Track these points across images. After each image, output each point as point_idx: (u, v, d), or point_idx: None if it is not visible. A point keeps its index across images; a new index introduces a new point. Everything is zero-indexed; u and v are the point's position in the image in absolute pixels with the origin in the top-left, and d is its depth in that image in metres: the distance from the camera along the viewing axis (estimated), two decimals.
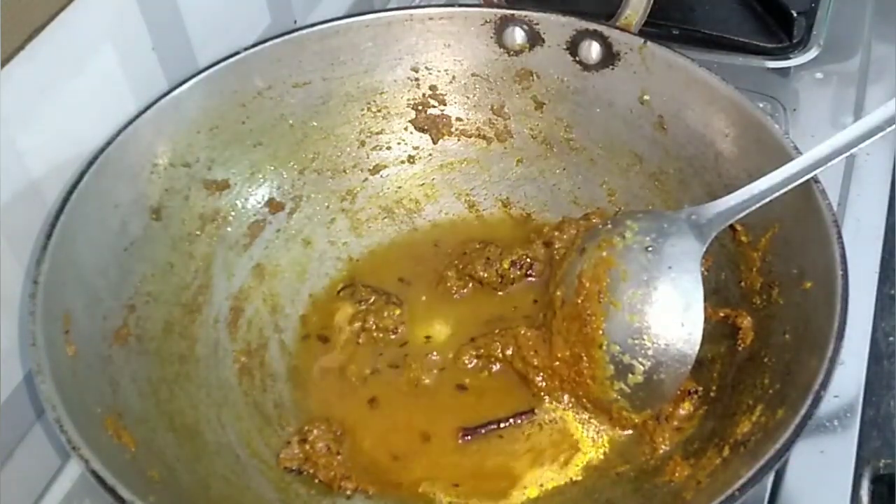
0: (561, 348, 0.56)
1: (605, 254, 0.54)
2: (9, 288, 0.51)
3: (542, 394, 0.57)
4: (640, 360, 0.52)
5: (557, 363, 0.56)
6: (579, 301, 0.55)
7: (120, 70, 0.56)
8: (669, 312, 0.52)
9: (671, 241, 0.53)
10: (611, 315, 0.53)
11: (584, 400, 0.55)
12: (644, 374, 0.52)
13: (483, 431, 0.56)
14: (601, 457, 0.54)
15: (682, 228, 0.53)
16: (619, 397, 0.54)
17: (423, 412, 0.57)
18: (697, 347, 0.52)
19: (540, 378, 0.56)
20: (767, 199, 0.52)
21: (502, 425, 0.56)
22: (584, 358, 0.54)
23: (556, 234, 0.62)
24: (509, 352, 0.57)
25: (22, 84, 0.49)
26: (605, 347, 0.53)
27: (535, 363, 0.56)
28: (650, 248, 0.53)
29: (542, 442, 0.55)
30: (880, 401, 0.56)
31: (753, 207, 0.52)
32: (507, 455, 0.55)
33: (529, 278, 0.62)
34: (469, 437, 0.55)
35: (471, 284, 0.62)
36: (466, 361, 0.58)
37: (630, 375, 0.53)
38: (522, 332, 0.57)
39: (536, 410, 0.56)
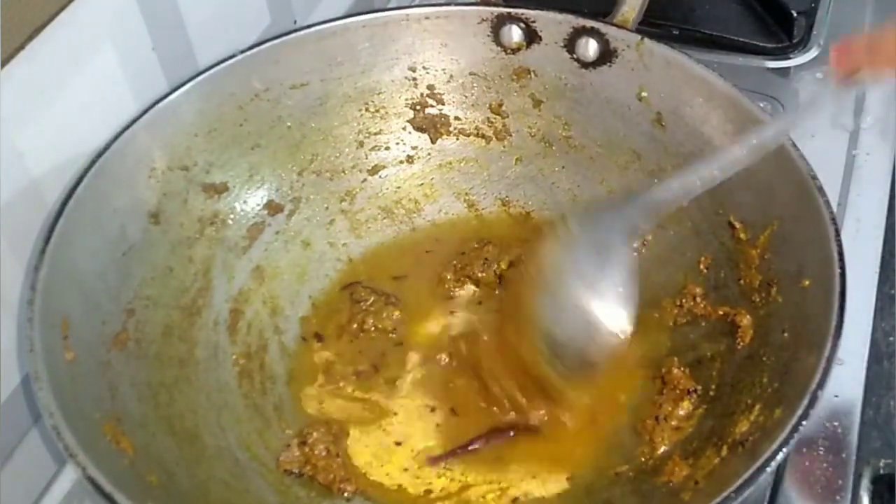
0: (507, 333, 0.56)
1: (546, 245, 0.55)
2: (8, 288, 0.51)
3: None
4: (571, 338, 0.53)
5: (505, 351, 0.56)
6: (521, 288, 0.55)
7: (120, 70, 0.56)
8: (604, 305, 0.53)
9: (603, 232, 0.53)
10: (545, 299, 0.54)
11: (533, 388, 0.56)
12: (577, 352, 0.53)
13: (450, 458, 0.55)
14: (600, 457, 0.54)
15: (616, 220, 0.53)
16: (557, 375, 0.54)
17: (419, 413, 0.57)
18: (629, 327, 0.52)
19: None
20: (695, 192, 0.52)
21: (471, 448, 0.55)
22: (523, 340, 0.55)
23: None
24: None
25: (22, 84, 0.49)
26: (539, 328, 0.54)
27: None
28: (586, 239, 0.54)
29: (538, 445, 0.55)
30: (880, 401, 0.56)
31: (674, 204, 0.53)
32: (503, 457, 0.55)
33: None
34: (438, 462, 0.55)
35: (469, 284, 0.62)
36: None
37: (563, 353, 0.53)
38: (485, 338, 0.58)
39: (513, 432, 0.56)
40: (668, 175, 0.61)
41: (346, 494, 0.53)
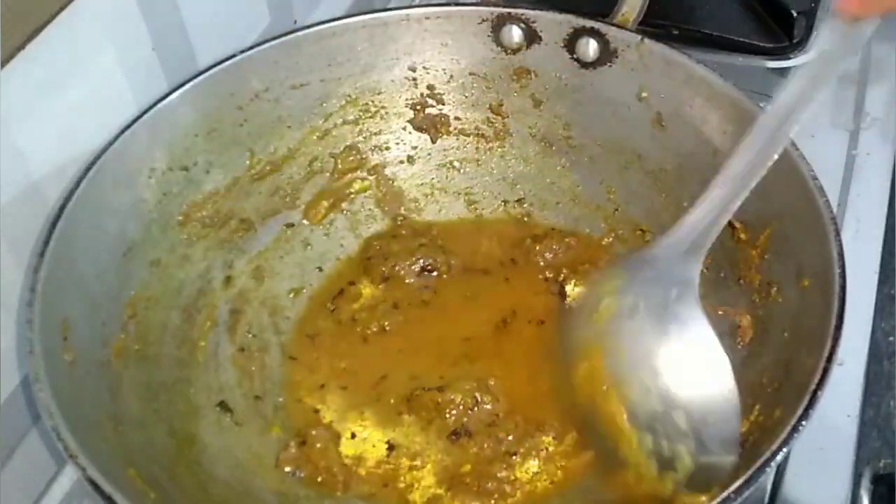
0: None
1: (593, 336, 0.49)
2: (8, 289, 0.51)
3: None
4: (678, 444, 0.46)
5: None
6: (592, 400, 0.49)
7: (120, 70, 0.56)
8: (689, 372, 0.46)
9: (659, 292, 0.47)
10: (630, 403, 0.47)
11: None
12: (692, 457, 0.46)
13: None
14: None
15: (666, 269, 0.47)
16: (676, 488, 0.46)
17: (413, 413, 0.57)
18: (736, 393, 0.45)
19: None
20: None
21: None
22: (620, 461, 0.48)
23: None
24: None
25: (22, 84, 0.49)
26: (636, 444, 0.47)
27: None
28: (641, 308, 0.47)
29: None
30: (880, 401, 0.56)
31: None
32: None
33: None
34: None
35: None
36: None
37: (678, 464, 0.46)
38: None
39: None
40: (668, 175, 0.61)
41: (346, 493, 0.53)
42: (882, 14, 0.44)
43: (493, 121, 0.66)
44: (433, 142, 0.67)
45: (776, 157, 0.47)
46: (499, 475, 0.53)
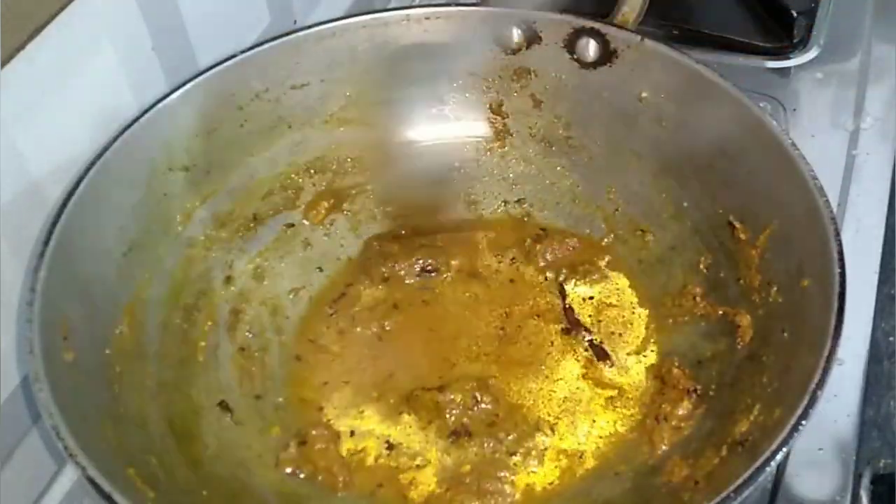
0: None
1: None
2: (8, 289, 0.51)
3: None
4: None
5: None
6: None
7: (120, 70, 0.56)
8: None
9: None
10: None
11: None
12: None
13: None
14: (600, 457, 0.54)
15: None
16: None
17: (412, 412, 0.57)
18: None
19: None
20: None
21: None
22: None
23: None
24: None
25: (22, 84, 0.49)
26: None
27: None
28: None
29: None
30: (880, 401, 0.56)
31: None
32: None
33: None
34: None
35: None
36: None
37: None
38: None
39: None
40: (668, 175, 0.61)
41: (347, 493, 0.53)
42: None
43: (493, 121, 0.67)
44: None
45: None
46: (499, 475, 0.53)
